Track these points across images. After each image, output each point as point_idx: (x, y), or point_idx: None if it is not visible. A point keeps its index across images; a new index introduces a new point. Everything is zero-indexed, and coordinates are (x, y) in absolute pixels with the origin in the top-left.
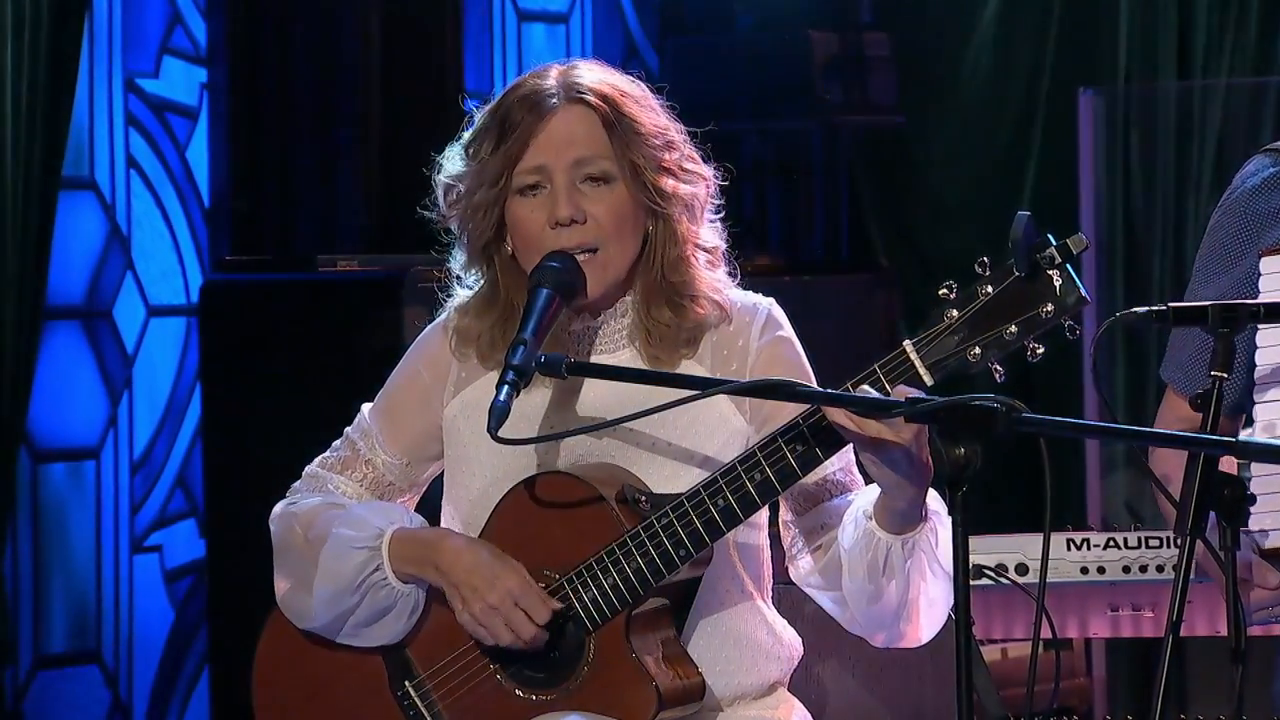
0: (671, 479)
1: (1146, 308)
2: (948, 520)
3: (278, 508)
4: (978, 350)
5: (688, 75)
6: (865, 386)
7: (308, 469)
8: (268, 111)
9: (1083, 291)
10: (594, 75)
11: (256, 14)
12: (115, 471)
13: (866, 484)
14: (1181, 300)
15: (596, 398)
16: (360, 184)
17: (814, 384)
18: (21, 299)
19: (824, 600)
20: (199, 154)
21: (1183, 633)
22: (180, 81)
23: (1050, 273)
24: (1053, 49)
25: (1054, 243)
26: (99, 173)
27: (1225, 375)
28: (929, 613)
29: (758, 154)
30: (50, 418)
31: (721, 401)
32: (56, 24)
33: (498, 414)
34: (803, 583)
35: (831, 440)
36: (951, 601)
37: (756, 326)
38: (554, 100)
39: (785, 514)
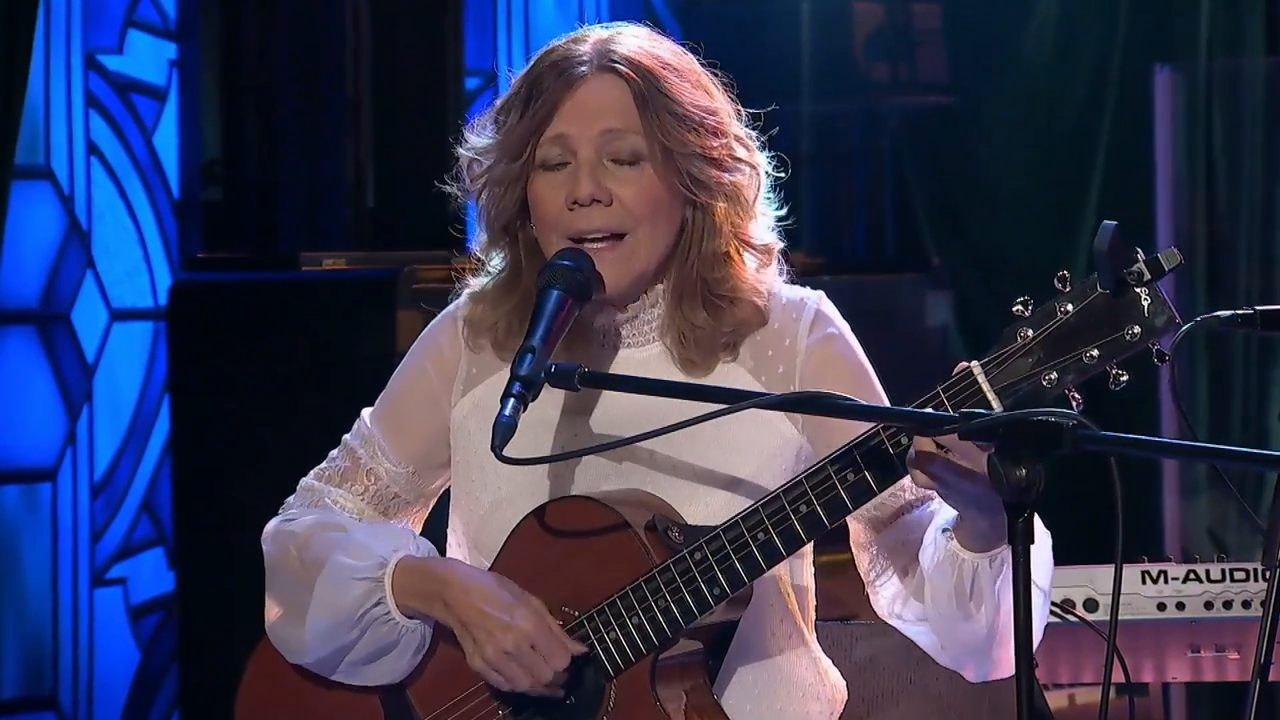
0: (706, 501)
1: (1231, 311)
2: (1042, 530)
3: (271, 525)
4: (1054, 375)
5: (713, 50)
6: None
7: (303, 481)
8: (245, 91)
9: (1174, 312)
10: (634, 43)
11: None
12: (74, 495)
13: None
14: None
15: (619, 407)
16: (349, 173)
17: (876, 385)
18: None
19: (917, 633)
20: (167, 139)
21: (1271, 677)
22: (147, 58)
23: (1138, 290)
24: (1125, 21)
25: (1143, 257)
26: (56, 160)
27: None
28: None
29: (792, 138)
30: (1, 435)
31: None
32: None
33: (502, 430)
34: (888, 613)
35: (888, 469)
36: (1047, 619)
37: (804, 323)
38: (584, 69)
39: (859, 536)
